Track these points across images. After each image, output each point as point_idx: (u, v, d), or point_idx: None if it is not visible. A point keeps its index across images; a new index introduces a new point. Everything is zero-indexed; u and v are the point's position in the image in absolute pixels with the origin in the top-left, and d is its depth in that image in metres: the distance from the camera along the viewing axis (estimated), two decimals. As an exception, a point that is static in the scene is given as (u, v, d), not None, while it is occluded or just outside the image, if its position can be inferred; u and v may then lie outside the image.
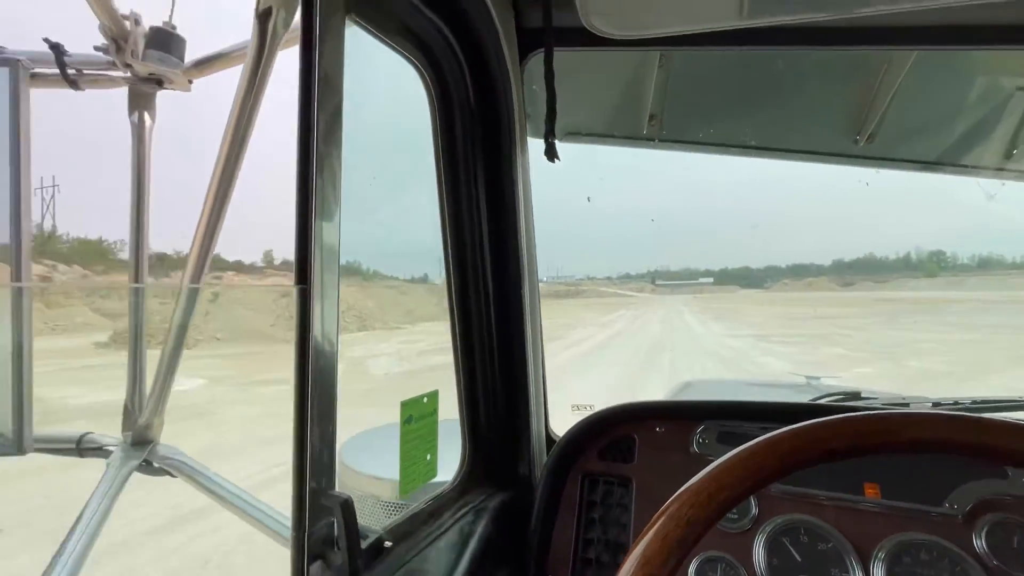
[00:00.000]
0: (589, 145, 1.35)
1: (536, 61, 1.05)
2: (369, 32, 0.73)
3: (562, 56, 1.08)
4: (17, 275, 0.95)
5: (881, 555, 0.86)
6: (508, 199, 0.97)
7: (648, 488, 1.02)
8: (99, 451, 1.09)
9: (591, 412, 1.12)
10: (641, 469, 1.04)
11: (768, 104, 1.25)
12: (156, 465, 1.05)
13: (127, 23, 0.90)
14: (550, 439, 1.18)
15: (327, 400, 0.64)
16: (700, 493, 0.48)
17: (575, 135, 1.27)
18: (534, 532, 1.01)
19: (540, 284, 1.10)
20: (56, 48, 1.02)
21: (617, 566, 0.98)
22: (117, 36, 0.90)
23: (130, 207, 1.12)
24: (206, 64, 0.98)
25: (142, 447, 1.05)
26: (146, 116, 1.09)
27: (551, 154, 0.98)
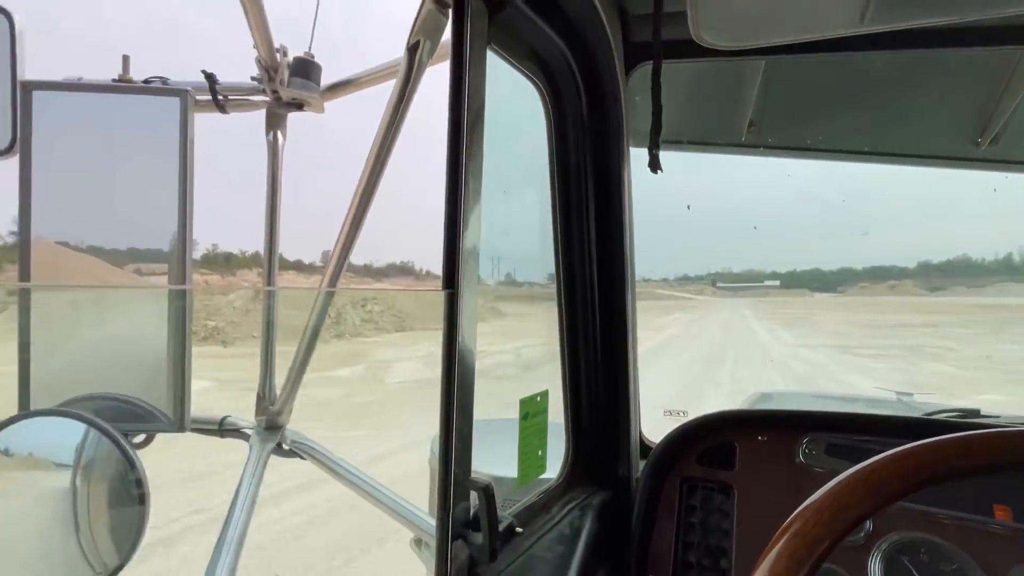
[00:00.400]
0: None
1: (639, 73, 1.08)
2: (501, 57, 0.79)
3: (665, 66, 1.11)
4: (181, 278, 1.09)
5: None
6: (615, 207, 1.01)
7: (751, 497, 1.03)
8: (236, 432, 1.22)
9: (689, 419, 1.14)
10: (743, 477, 1.04)
11: (878, 106, 1.21)
12: (286, 448, 1.17)
13: (278, 55, 1.02)
14: (643, 443, 1.21)
15: (468, 395, 0.71)
16: (823, 511, 0.46)
17: (670, 143, 1.29)
18: (634, 532, 1.04)
19: (539, 278, 1.12)
20: (210, 77, 1.17)
21: (717, 570, 0.99)
22: (269, 67, 1.02)
23: (264, 216, 1.25)
24: (339, 88, 1.09)
25: (275, 431, 1.17)
26: (279, 135, 1.22)
27: (655, 165, 1.01)
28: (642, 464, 1.14)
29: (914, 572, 0.88)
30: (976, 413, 1.13)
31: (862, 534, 0.92)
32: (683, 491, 1.07)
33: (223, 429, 1.20)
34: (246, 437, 1.19)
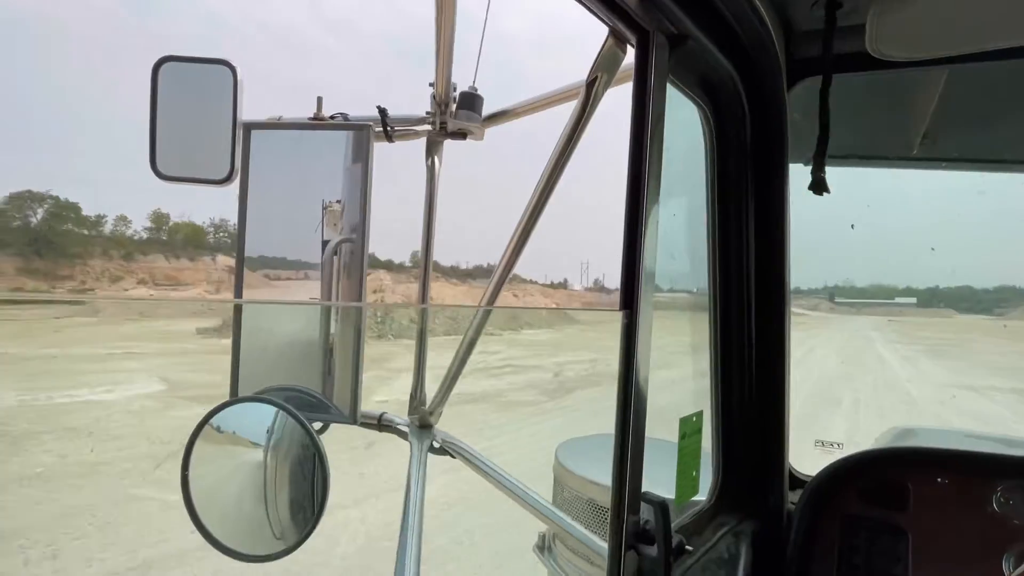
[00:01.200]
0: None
1: (798, 90, 1.05)
2: (675, 86, 0.82)
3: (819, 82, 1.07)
4: (358, 296, 1.25)
5: None
6: (775, 226, 0.99)
7: (932, 544, 0.94)
8: (391, 428, 1.36)
9: (848, 452, 1.07)
10: (920, 522, 0.96)
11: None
12: (437, 446, 1.28)
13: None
14: (791, 473, 1.15)
15: (641, 412, 0.74)
16: None
17: (835, 158, 1.23)
18: (789, 566, 1.00)
19: (686, 296, 1.08)
20: (383, 112, 1.33)
21: None
22: (443, 101, 1.15)
23: (421, 237, 1.39)
24: (499, 117, 1.19)
25: (427, 430, 1.29)
26: (436, 160, 1.35)
27: (820, 187, 0.97)
28: (791, 495, 1.09)
29: None
30: None
31: None
32: (845, 530, 1.01)
33: (382, 424, 1.34)
34: (401, 433, 1.32)
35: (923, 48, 0.89)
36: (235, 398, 1.30)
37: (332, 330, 1.36)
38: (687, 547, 0.77)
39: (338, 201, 1.37)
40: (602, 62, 0.81)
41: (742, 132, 0.96)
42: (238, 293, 1.28)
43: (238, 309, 1.30)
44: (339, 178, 1.28)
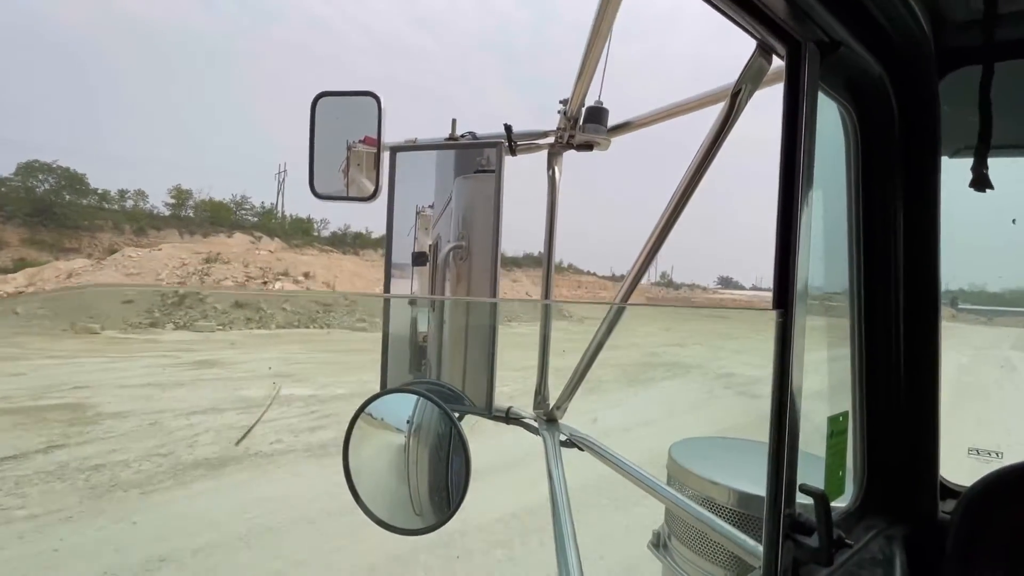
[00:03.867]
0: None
1: (950, 81, 1.02)
2: (822, 91, 0.85)
3: (973, 71, 1.03)
4: (493, 293, 1.37)
5: None
6: (926, 225, 0.97)
7: None
8: (518, 421, 1.47)
9: (1012, 463, 1.01)
10: None
11: None
12: (563, 438, 1.37)
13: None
14: (942, 483, 1.11)
15: (796, 406, 0.77)
16: None
17: (999, 149, 1.17)
18: (948, 573, 0.97)
19: (828, 296, 1.04)
20: (508, 128, 1.45)
21: None
22: (573, 116, 1.24)
23: (544, 240, 1.49)
24: (622, 128, 1.26)
25: (554, 423, 1.38)
26: (557, 170, 1.45)
27: (983, 184, 0.94)
28: (942, 503, 1.05)
29: None
30: None
31: None
32: (1011, 540, 0.96)
33: (509, 418, 1.46)
34: (528, 427, 1.42)
35: None
36: (386, 390, 1.48)
37: (464, 326, 1.50)
38: (847, 541, 0.79)
39: (430, 206, 1.52)
40: (748, 73, 0.86)
41: (890, 130, 0.95)
42: (386, 289, 1.46)
43: (387, 312, 1.47)
44: (471, 190, 1.41)
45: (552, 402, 1.43)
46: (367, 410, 1.38)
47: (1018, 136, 1.13)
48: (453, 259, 1.48)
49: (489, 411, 1.39)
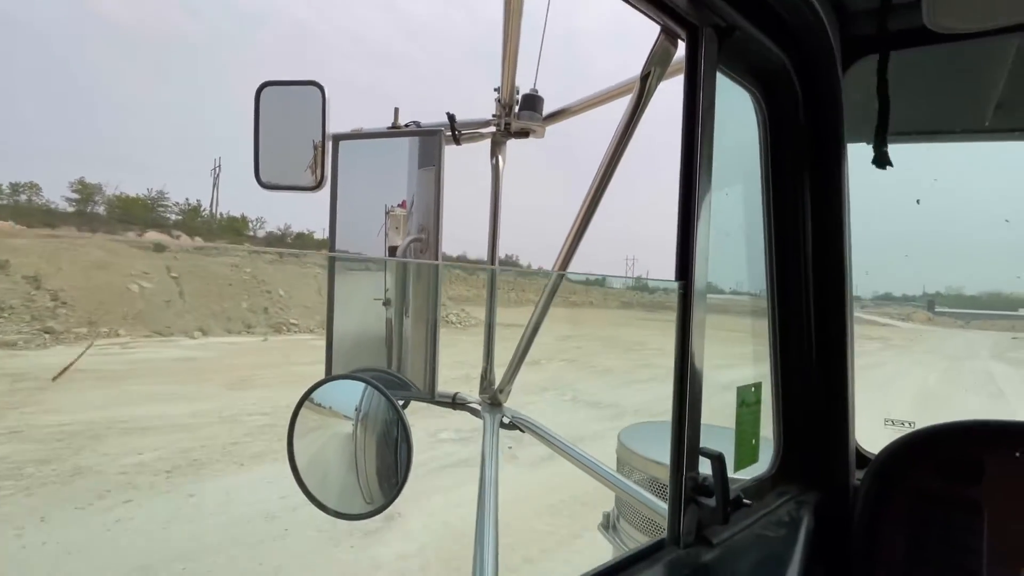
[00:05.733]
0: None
1: (855, 69, 1.09)
2: (724, 74, 0.90)
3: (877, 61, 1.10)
4: (435, 278, 1.40)
5: None
6: (833, 207, 1.03)
7: (1009, 520, 0.94)
8: (465, 406, 1.50)
9: (917, 427, 1.08)
10: (997, 499, 0.96)
11: None
12: (507, 421, 1.40)
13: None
14: (858, 452, 1.17)
15: (699, 375, 0.82)
16: None
17: (897, 135, 1.24)
18: (856, 537, 1.02)
19: (744, 299, 1.11)
20: (451, 117, 1.48)
21: None
22: (507, 104, 1.28)
23: (488, 229, 1.53)
24: (559, 115, 1.31)
25: (498, 407, 1.41)
26: (501, 159, 1.48)
27: (883, 162, 1.01)
28: (858, 472, 1.11)
29: None
30: None
31: None
32: (915, 505, 1.02)
33: (455, 403, 1.49)
34: (474, 411, 1.45)
35: (983, 19, 0.91)
36: (330, 376, 1.50)
37: (407, 318, 1.53)
38: (745, 501, 0.84)
39: (400, 205, 1.54)
40: (655, 57, 0.91)
41: (796, 116, 1.01)
42: (331, 287, 1.48)
43: (331, 299, 1.49)
44: (414, 180, 1.44)
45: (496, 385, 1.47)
46: (312, 397, 1.40)
47: (918, 122, 1.20)
48: (413, 253, 1.51)
49: (432, 396, 1.41)
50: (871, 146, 1.31)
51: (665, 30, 0.87)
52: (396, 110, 1.50)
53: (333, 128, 1.52)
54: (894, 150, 1.03)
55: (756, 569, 0.84)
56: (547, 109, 1.33)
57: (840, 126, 1.02)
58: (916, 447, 1.05)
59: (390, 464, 1.38)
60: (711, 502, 0.80)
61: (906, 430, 1.10)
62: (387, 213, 1.55)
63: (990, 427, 1.01)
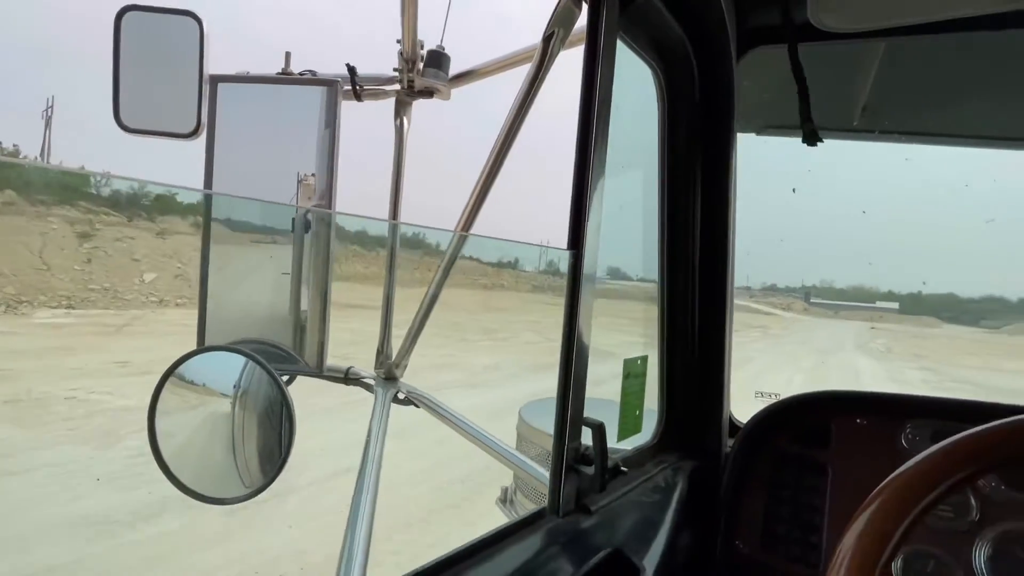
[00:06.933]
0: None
1: (749, 58, 1.14)
2: (626, 44, 0.89)
3: (767, 52, 1.16)
4: (326, 245, 1.30)
5: None
6: (722, 189, 1.08)
7: (847, 478, 1.06)
8: (358, 381, 1.42)
9: (781, 398, 1.18)
10: (839, 458, 1.08)
11: (1004, 90, 1.18)
12: (402, 397, 1.35)
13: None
14: (731, 422, 1.26)
15: (585, 346, 0.82)
16: (910, 483, 0.50)
17: (773, 128, 1.33)
18: (723, 500, 1.11)
19: (645, 284, 1.18)
20: (351, 70, 1.37)
21: (807, 543, 1.03)
22: (410, 58, 1.20)
23: (390, 193, 1.45)
24: (465, 77, 1.25)
25: (392, 382, 1.36)
26: (405, 121, 1.40)
27: (812, 137, 1.07)
28: (731, 441, 1.20)
29: None
30: None
31: (967, 520, 0.93)
32: (774, 467, 1.12)
33: (348, 378, 1.41)
34: (367, 386, 1.38)
35: (864, 20, 0.98)
36: (202, 347, 1.35)
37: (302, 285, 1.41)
38: (622, 468, 0.86)
39: (312, 174, 1.42)
40: (558, 18, 0.88)
41: (692, 96, 1.04)
42: (205, 252, 1.32)
43: (205, 258, 1.33)
44: (307, 135, 1.32)
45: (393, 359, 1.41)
46: (181, 373, 1.26)
47: (796, 118, 1.30)
48: (314, 219, 1.38)
49: (321, 370, 1.33)
50: (759, 136, 1.40)
51: None
52: (288, 54, 1.35)
53: (213, 69, 1.35)
54: (776, 143, 1.10)
55: (630, 533, 0.87)
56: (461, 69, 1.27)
57: (731, 111, 1.07)
58: (778, 416, 1.15)
59: (272, 443, 1.29)
60: (590, 471, 0.82)
61: (771, 400, 1.21)
62: (300, 182, 1.42)
63: (838, 396, 1.13)
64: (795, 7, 1.04)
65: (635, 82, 1.03)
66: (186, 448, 1.28)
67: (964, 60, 1.18)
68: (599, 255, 0.84)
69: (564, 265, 0.82)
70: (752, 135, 1.40)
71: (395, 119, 1.41)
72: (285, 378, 1.39)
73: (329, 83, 1.29)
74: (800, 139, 1.42)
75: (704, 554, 1.07)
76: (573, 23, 0.89)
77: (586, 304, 0.82)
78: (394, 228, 1.42)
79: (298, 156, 1.33)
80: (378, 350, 1.42)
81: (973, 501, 0.95)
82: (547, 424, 1.70)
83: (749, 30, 1.10)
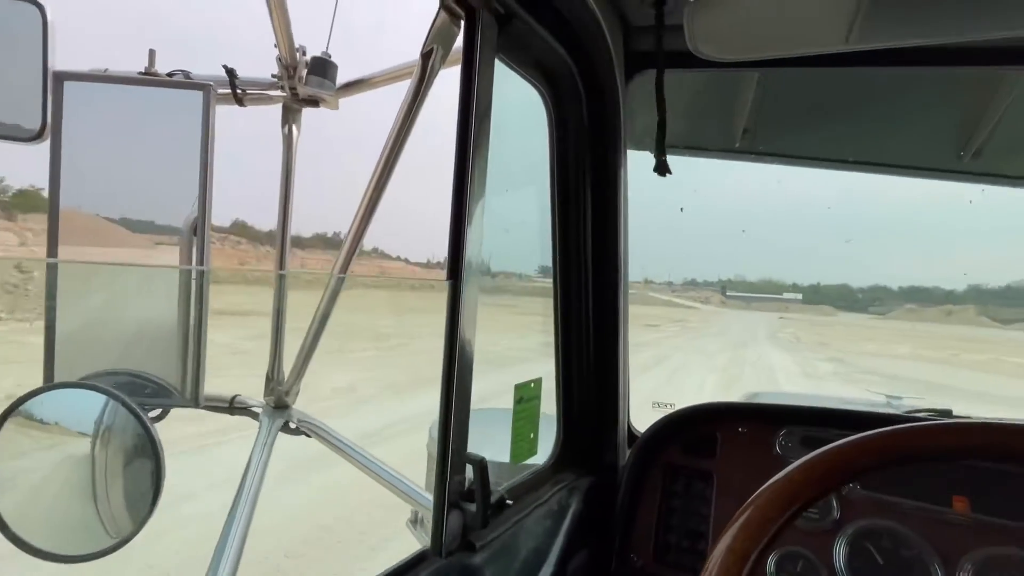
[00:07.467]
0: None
1: (639, 81, 1.16)
2: (507, 65, 0.88)
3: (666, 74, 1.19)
4: (200, 260, 1.18)
5: (968, 567, 0.91)
6: (611, 207, 1.10)
7: (730, 484, 1.11)
8: (245, 411, 1.32)
9: (674, 410, 1.23)
10: (723, 466, 1.13)
11: (866, 118, 1.30)
12: (293, 426, 1.26)
13: (297, 54, 1.11)
14: (631, 432, 1.29)
15: (466, 377, 0.80)
16: (773, 497, 0.53)
17: (670, 147, 1.37)
18: (619, 514, 1.13)
19: (537, 273, 1.19)
20: (231, 72, 1.26)
21: (696, 551, 1.08)
22: (289, 65, 1.11)
23: (278, 204, 1.34)
24: (354, 87, 1.18)
25: (283, 410, 1.26)
26: (294, 128, 1.31)
27: (663, 169, 1.10)
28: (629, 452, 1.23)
29: (876, 557, 0.96)
30: (948, 413, 1.21)
31: (829, 520, 1.01)
32: (667, 478, 1.16)
33: (233, 407, 1.29)
34: (255, 415, 1.28)
35: (737, 51, 1.03)
36: (50, 384, 1.18)
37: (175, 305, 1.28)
38: (508, 501, 0.85)
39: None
40: (436, 34, 0.85)
41: (580, 117, 1.04)
42: (51, 276, 1.15)
43: (52, 281, 1.17)
44: (176, 142, 1.19)
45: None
46: (28, 412, 1.10)
47: (690, 138, 1.36)
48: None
49: (196, 400, 1.20)
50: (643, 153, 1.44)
51: (445, 7, 0.81)
52: (152, 52, 1.21)
53: (60, 64, 1.19)
54: (678, 160, 1.13)
55: (521, 565, 0.86)
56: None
57: (619, 132, 1.08)
58: (671, 426, 1.19)
59: (141, 485, 1.15)
60: (473, 507, 0.79)
61: (668, 410, 1.25)
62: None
63: (724, 407, 1.19)
64: (678, 36, 1.07)
65: (526, 104, 1.02)
66: (34, 501, 1.13)
67: (831, 90, 1.28)
68: (490, 278, 0.81)
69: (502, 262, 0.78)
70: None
71: (282, 127, 1.32)
72: (155, 413, 1.25)
73: (201, 86, 1.17)
74: (695, 158, 1.50)
75: (599, 573, 1.09)
76: (453, 41, 0.86)
77: (467, 335, 0.79)
78: (283, 242, 1.32)
79: (165, 165, 1.19)
80: (267, 376, 1.32)
81: (835, 502, 1.03)
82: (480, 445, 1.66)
83: (637, 53, 1.12)
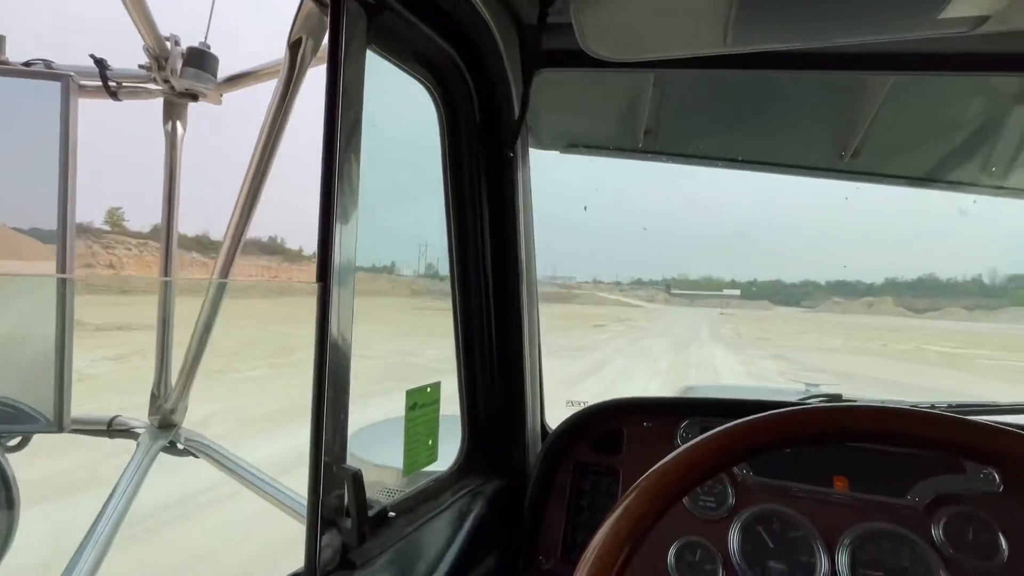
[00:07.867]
0: (588, 157, 1.46)
1: (540, 78, 1.16)
2: (386, 59, 0.84)
3: (564, 74, 1.20)
4: (62, 268, 1.07)
5: (846, 542, 0.96)
6: (508, 205, 1.08)
7: (635, 479, 1.12)
8: (127, 432, 1.21)
9: (583, 407, 1.23)
10: (628, 461, 1.14)
11: (756, 121, 1.35)
12: (180, 447, 1.17)
13: (168, 44, 1.03)
14: (545, 432, 1.28)
15: (341, 386, 0.75)
16: (648, 490, 0.55)
17: (575, 147, 1.38)
18: (527, 517, 1.11)
19: (434, 276, 1.18)
20: (100, 63, 1.15)
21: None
22: (159, 55, 1.03)
23: (162, 207, 1.25)
24: (236, 81, 1.11)
25: (168, 430, 1.17)
26: (178, 125, 1.22)
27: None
28: None
29: (767, 540, 1.00)
30: (838, 397, 1.28)
31: (725, 507, 1.03)
32: (575, 476, 1.16)
33: (112, 429, 1.18)
34: (135, 436, 1.17)
35: (626, 50, 1.04)
36: None
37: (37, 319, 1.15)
38: (391, 514, 0.81)
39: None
40: (303, 23, 0.80)
41: (472, 115, 1.02)
42: None
43: None
44: (32, 135, 1.07)
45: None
46: None
47: (594, 138, 1.37)
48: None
49: (59, 424, 1.09)
50: (558, 152, 1.44)
51: None
52: (2, 39, 1.09)
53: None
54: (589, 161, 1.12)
55: None
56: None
57: (516, 130, 1.07)
58: (579, 424, 1.19)
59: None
60: (349, 523, 0.75)
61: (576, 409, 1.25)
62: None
63: (630, 403, 1.20)
64: (569, 36, 1.07)
65: (409, 99, 0.98)
66: None
67: (723, 93, 1.33)
68: (366, 277, 0.77)
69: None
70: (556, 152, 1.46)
71: (164, 123, 1.22)
72: (15, 441, 1.13)
73: (58, 77, 1.07)
74: (602, 157, 1.51)
75: (504, 578, 1.07)
76: (323, 31, 0.82)
77: (340, 341, 0.75)
78: (168, 246, 1.23)
79: (16, 160, 1.07)
80: (152, 394, 1.21)
81: (730, 490, 1.05)
82: (374, 454, 1.60)
83: (536, 52, 1.12)
